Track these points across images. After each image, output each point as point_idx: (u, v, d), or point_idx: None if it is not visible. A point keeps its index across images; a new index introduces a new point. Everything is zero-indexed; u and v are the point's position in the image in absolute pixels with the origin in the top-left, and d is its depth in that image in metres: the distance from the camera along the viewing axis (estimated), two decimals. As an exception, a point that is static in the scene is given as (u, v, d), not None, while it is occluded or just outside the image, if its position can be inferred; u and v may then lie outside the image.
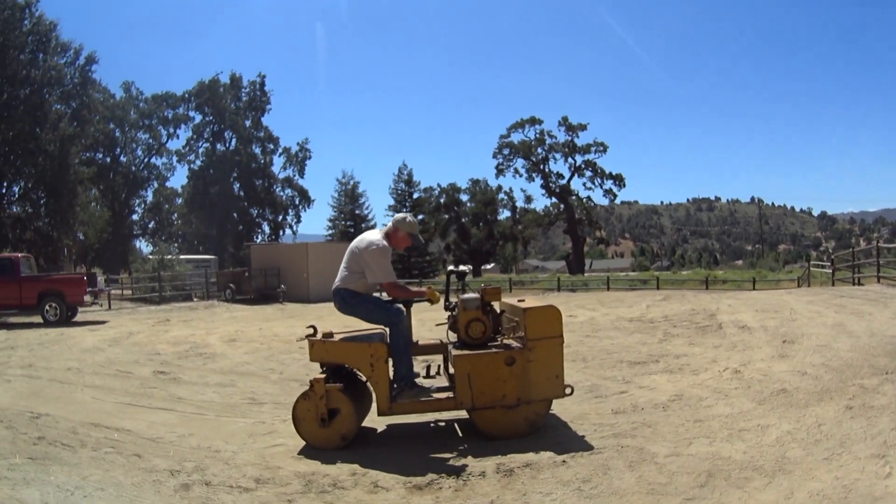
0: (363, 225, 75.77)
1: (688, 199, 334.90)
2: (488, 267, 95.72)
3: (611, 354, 12.05)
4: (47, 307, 22.48)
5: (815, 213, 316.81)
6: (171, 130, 70.11)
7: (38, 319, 22.65)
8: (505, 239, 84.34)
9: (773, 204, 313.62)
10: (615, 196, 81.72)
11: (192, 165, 71.81)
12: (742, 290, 31.30)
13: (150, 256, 45.59)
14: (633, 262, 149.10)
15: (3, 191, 43.65)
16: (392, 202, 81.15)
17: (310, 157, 75.07)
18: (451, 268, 7.88)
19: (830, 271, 30.63)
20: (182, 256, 47.44)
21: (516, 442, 6.60)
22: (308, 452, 6.62)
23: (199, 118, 70.73)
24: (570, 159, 79.80)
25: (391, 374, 6.92)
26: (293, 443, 6.92)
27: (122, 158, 67.93)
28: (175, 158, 71.87)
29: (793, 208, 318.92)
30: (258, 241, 67.82)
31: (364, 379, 7.02)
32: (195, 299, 35.42)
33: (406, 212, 8.36)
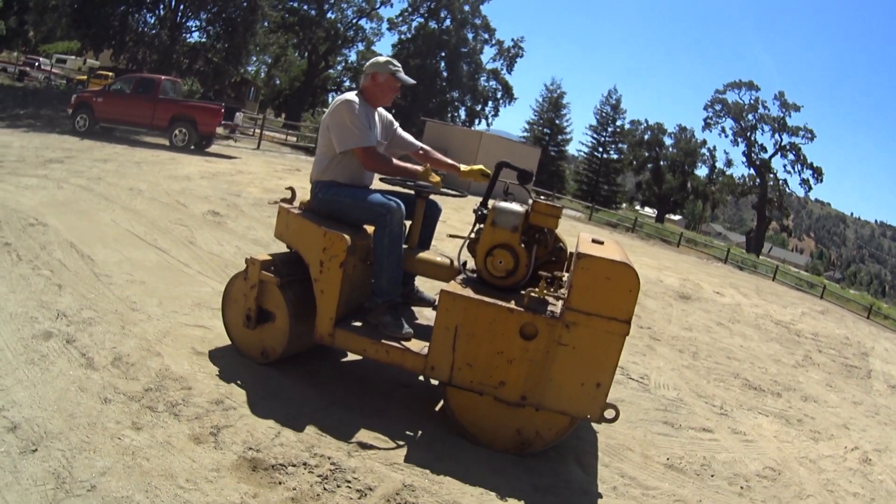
0: (559, 137, 75.13)
1: (876, 221, 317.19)
2: (674, 218, 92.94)
3: (730, 360, 9.48)
4: (176, 132, 21.94)
5: None
6: (387, -2, 69.75)
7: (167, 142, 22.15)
8: (696, 195, 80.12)
9: None
10: (810, 188, 76.40)
11: (402, 36, 71.21)
12: (898, 333, 27.67)
13: (324, 110, 45.63)
14: (809, 263, 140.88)
15: (184, 19, 43.42)
16: (594, 122, 78.00)
17: (521, 56, 73.07)
18: (504, 160, 5.32)
19: None
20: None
21: (485, 458, 4.38)
22: (220, 355, 5.08)
23: (418, -8, 70.28)
24: (777, 136, 75.18)
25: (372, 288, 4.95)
26: (221, 331, 5.29)
27: (330, 14, 66.87)
28: (386, 25, 71.18)
29: None
30: (452, 123, 66.18)
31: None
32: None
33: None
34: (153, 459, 3.49)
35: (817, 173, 74.24)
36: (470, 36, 71.45)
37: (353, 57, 71.42)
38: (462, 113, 73.19)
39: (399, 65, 5.29)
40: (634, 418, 5.78)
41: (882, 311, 37.12)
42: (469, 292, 4.39)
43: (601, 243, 4.67)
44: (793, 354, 11.53)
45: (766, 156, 75.82)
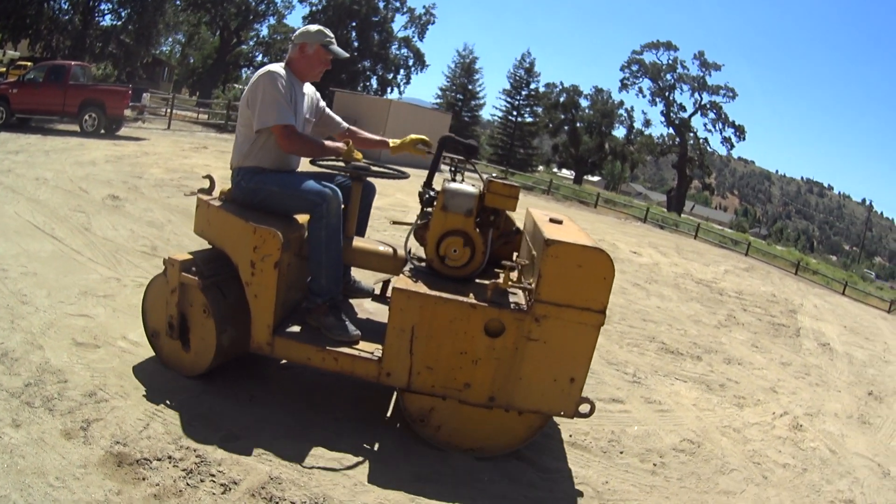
0: (472, 102, 76.22)
1: (802, 178, 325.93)
2: (593, 179, 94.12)
3: (646, 323, 9.30)
4: (86, 117, 21.41)
5: None
6: (298, -31, 70.16)
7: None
8: (614, 156, 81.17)
9: (882, 213, 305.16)
10: (732, 146, 77.71)
11: (313, 7, 71.09)
12: (831, 290, 27.86)
13: (236, 86, 45.78)
14: (733, 220, 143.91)
15: (96, 2, 43.94)
16: (508, 87, 78.52)
17: (433, 22, 73.68)
18: (448, 134, 4.91)
19: None
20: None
21: (362, 447, 4.16)
22: (99, 344, 4.86)
23: (329, -39, 70.58)
24: (696, 95, 76.21)
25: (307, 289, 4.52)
26: (103, 320, 5.26)
27: None
28: None
29: None
30: (365, 93, 66.20)
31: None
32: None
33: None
34: (28, 457, 3.39)
35: (739, 131, 75.39)
36: (381, 4, 71.85)
37: (264, 31, 71.49)
38: (374, 82, 73.88)
39: (332, 36, 4.77)
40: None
41: (810, 267, 37.82)
42: (423, 288, 4.04)
43: (560, 223, 4.49)
44: (715, 314, 11.44)
45: (685, 115, 76.71)
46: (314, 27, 4.68)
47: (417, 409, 4.22)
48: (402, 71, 74.30)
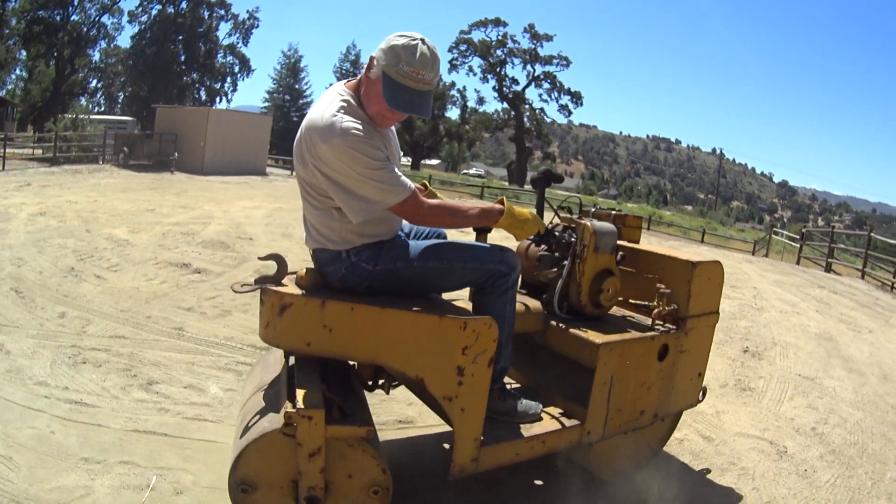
0: (300, 101, 77.58)
1: (648, 136, 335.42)
2: (432, 163, 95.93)
3: None
4: None
5: (777, 179, 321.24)
6: (125, -11, 70.51)
7: None
8: (450, 137, 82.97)
9: (733, 160, 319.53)
10: (570, 113, 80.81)
11: (142, 26, 71.09)
12: (689, 239, 28.06)
13: (66, 116, 43.87)
14: (580, 185, 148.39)
15: None
16: (335, 81, 77.91)
17: (257, 26, 75.06)
18: (539, 173, 4.25)
19: (798, 246, 27.11)
20: (94, 117, 47.18)
21: None
22: None
23: (152, -22, 70.80)
24: (529, 67, 78.93)
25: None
26: None
27: (75, 17, 65.87)
28: (126, 18, 71.17)
29: (753, 169, 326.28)
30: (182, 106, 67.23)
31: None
32: (101, 162, 33.26)
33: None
34: None
35: (576, 98, 77.78)
36: (206, 14, 72.36)
37: (96, 56, 71.46)
38: (203, 94, 74.42)
39: (417, 62, 3.09)
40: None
41: (664, 220, 38.44)
42: (616, 335, 3.93)
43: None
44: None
45: (518, 88, 79.06)
46: (397, 38, 3.13)
47: (597, 453, 4.14)
48: (228, 79, 74.98)
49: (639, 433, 4.31)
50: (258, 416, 3.10)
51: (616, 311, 4.42)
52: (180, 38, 69.98)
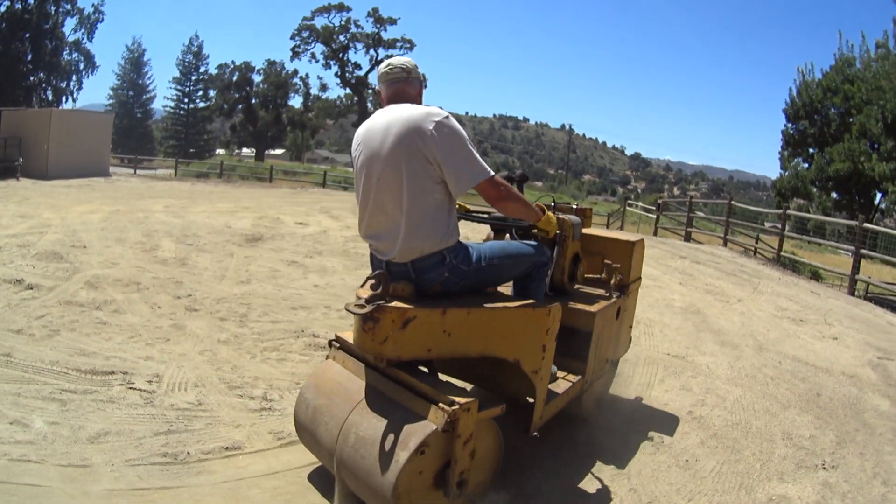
0: (143, 96, 76.41)
1: (494, 115, 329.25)
2: (277, 153, 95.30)
3: (296, 312, 7.67)
4: None
5: (629, 152, 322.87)
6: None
7: None
8: (293, 125, 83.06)
9: (583, 135, 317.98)
10: None
11: None
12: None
13: None
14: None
15: None
16: (178, 74, 78.84)
17: (102, 20, 70.98)
18: (518, 175, 4.87)
19: (655, 216, 27.65)
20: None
21: None
22: None
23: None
24: (371, 51, 79.51)
25: None
26: None
27: None
28: None
29: (604, 143, 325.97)
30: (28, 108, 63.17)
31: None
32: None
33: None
34: None
35: (423, 80, 77.60)
36: (52, 9, 68.09)
37: None
38: (49, 94, 70.16)
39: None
40: (119, 461, 3.98)
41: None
42: (598, 304, 4.77)
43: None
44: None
45: (361, 73, 79.45)
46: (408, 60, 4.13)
47: (587, 397, 5.05)
48: (73, 77, 71.11)
49: (602, 378, 5.30)
50: (391, 430, 3.29)
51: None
52: (27, 35, 65.90)
